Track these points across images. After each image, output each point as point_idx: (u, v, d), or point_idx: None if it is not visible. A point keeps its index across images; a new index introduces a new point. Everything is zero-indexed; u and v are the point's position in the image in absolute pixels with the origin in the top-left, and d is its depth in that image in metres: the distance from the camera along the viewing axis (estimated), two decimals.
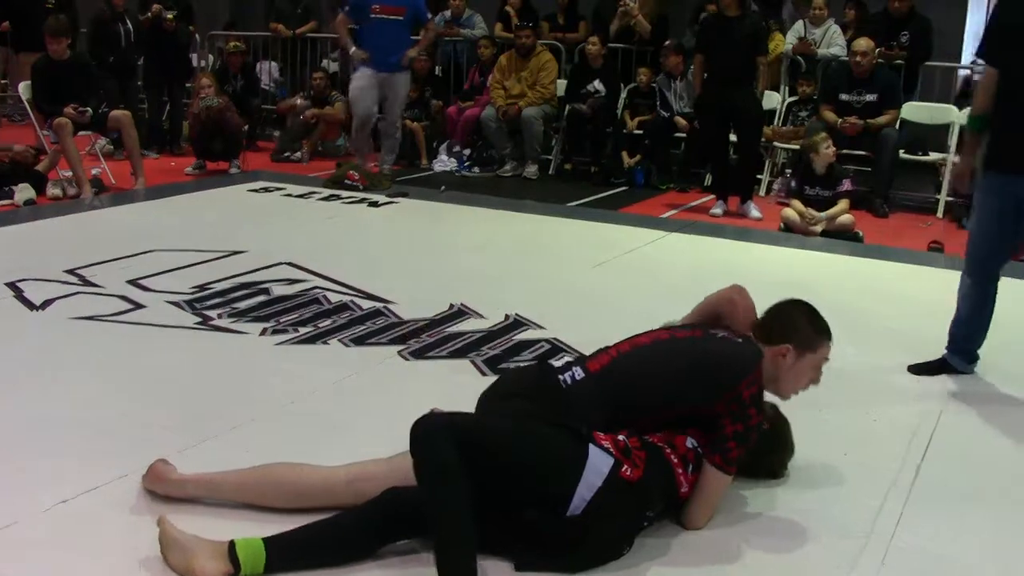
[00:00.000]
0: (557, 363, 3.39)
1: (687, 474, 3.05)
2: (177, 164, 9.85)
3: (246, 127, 10.47)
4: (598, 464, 2.86)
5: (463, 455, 2.67)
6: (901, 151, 8.98)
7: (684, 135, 9.91)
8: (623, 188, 9.73)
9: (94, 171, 8.62)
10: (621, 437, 2.99)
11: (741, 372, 3.07)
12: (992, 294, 4.48)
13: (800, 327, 3.21)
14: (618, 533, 2.90)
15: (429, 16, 9.39)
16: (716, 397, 3.05)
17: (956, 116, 8.90)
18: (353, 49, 8.91)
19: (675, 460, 3.04)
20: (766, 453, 3.37)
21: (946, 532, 3.19)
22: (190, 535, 2.76)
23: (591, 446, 2.89)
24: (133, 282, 5.47)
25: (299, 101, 11.09)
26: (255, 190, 8.57)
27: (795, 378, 3.21)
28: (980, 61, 4.79)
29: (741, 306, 3.37)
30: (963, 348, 4.57)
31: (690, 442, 3.09)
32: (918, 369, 4.57)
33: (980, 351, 4.59)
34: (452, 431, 2.73)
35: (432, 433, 2.73)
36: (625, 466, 2.89)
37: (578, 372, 3.19)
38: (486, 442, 2.79)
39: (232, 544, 2.71)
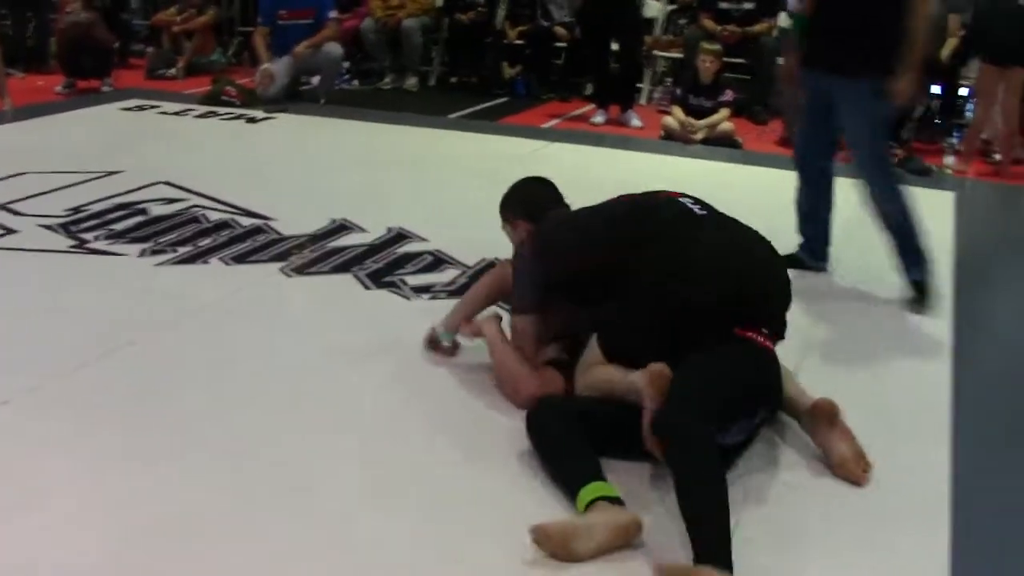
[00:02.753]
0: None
1: None
2: (45, 83, 9.49)
3: (117, 44, 10.14)
4: None
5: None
6: (779, 58, 9.07)
7: (564, 45, 9.89)
8: (504, 99, 9.70)
9: None
10: None
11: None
12: (823, 191, 4.65)
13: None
14: None
15: (332, 15, 9.08)
16: None
17: None
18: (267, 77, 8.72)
19: None
20: None
21: None
22: (574, 521, 2.59)
23: None
24: (3, 206, 5.31)
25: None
26: (129, 108, 8.34)
27: None
28: None
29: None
30: (810, 245, 4.76)
31: None
32: None
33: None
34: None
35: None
36: None
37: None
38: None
39: (594, 499, 2.62)
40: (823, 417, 3.04)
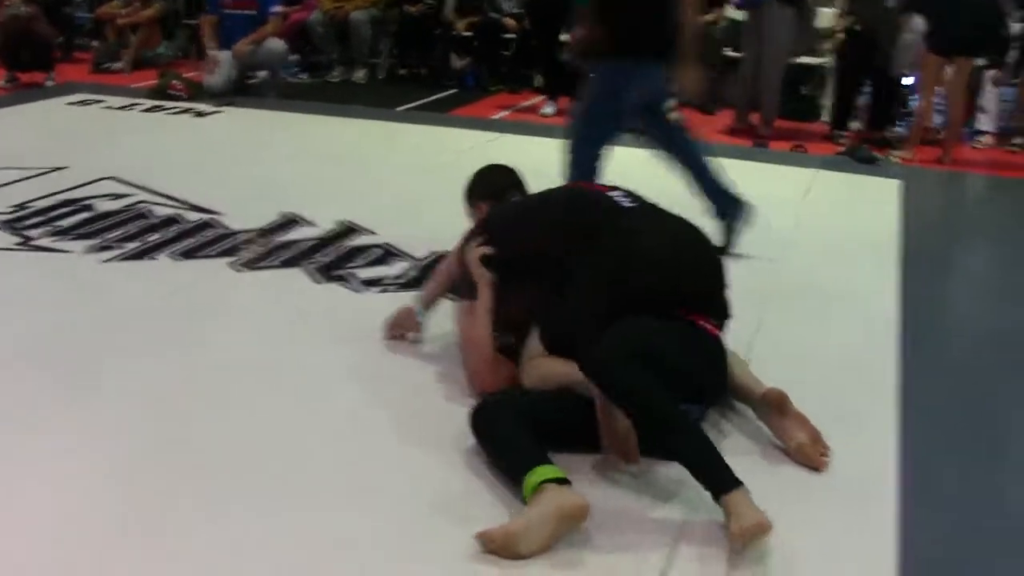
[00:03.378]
0: None
1: None
2: None
3: (59, 38, 10.02)
4: None
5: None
6: (726, 49, 9.13)
7: (513, 36, 9.89)
8: (454, 91, 9.69)
9: None
10: None
11: None
12: (685, 154, 4.88)
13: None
14: None
15: (276, 9, 8.91)
16: None
17: None
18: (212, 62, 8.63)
19: None
20: None
21: None
22: (516, 522, 2.55)
23: None
24: None
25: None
26: (73, 103, 8.25)
27: None
28: None
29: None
30: (718, 211, 4.77)
31: None
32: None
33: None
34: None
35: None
36: None
37: None
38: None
39: (540, 483, 2.59)
40: (774, 407, 3.08)
